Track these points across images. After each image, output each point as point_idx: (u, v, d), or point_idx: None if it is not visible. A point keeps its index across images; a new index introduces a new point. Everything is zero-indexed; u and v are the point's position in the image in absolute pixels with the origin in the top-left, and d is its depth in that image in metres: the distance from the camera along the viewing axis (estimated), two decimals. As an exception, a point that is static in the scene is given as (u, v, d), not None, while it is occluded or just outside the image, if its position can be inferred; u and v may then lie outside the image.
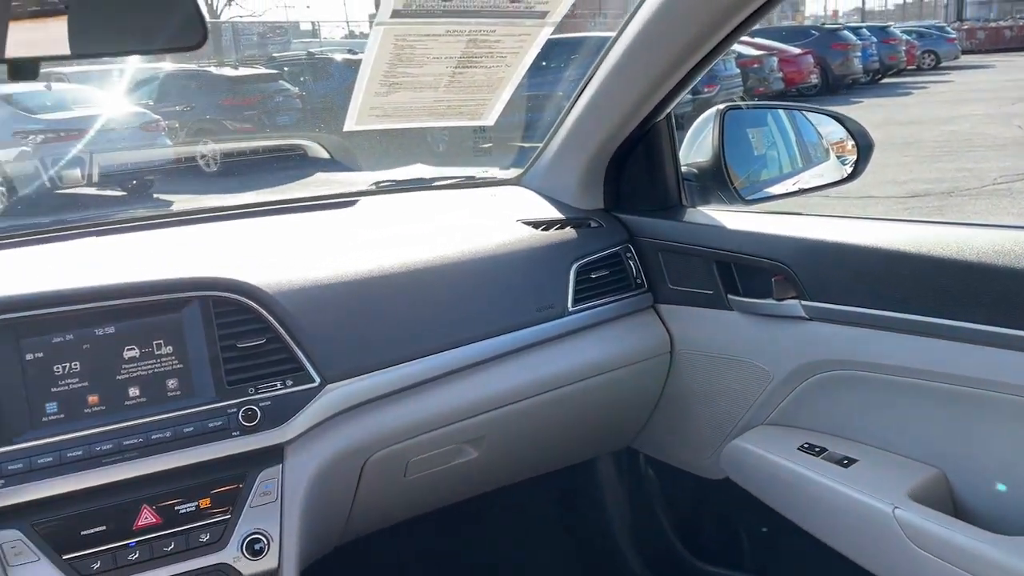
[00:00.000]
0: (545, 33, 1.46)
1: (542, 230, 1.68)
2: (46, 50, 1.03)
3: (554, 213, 1.76)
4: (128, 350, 1.24)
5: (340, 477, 1.38)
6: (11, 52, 1.03)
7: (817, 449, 1.47)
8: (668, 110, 1.69)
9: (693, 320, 1.67)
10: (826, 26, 21.76)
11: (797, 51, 17.15)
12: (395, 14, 1.31)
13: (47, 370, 1.20)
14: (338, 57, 13.48)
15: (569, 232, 1.70)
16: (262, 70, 12.74)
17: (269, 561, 1.26)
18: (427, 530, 1.88)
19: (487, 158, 9.47)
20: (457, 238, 1.60)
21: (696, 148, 1.81)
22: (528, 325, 1.55)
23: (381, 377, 1.39)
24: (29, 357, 1.20)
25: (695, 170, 1.80)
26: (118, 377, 1.23)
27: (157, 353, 1.26)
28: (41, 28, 1.03)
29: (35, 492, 1.15)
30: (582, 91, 1.69)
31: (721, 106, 1.77)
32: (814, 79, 17.44)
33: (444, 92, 1.54)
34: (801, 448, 1.49)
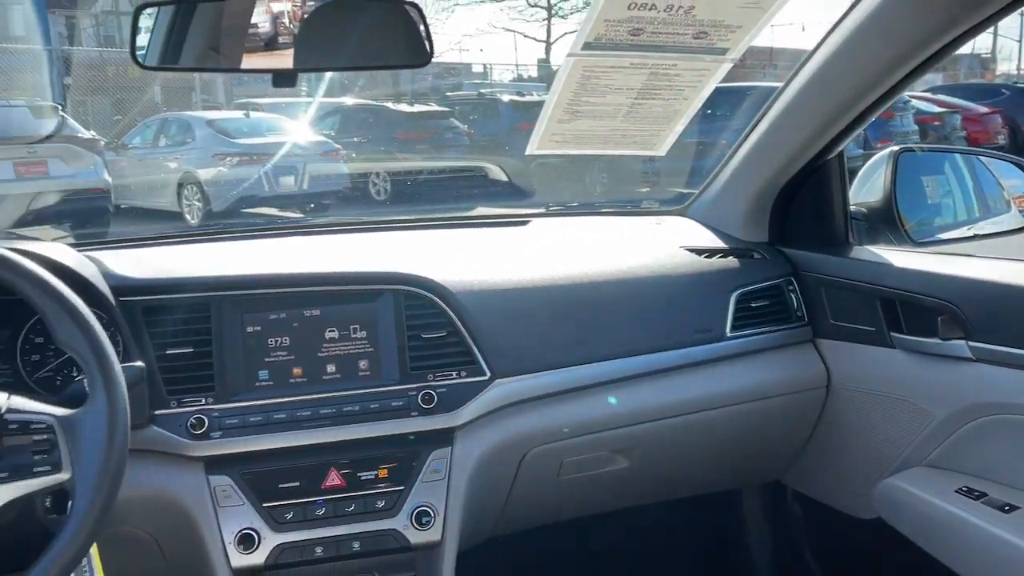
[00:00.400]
0: (724, 69, 1.53)
1: (705, 257, 1.75)
2: (275, 63, 1.17)
3: (718, 242, 1.82)
4: (329, 331, 1.41)
5: (501, 466, 1.49)
6: (247, 64, 1.18)
7: (976, 493, 1.44)
8: (840, 148, 1.72)
9: (853, 356, 1.67)
10: (1019, 85, 20.42)
11: (984, 110, 16.15)
12: (586, 46, 1.43)
13: (263, 342, 1.39)
14: (505, 98, 13.93)
15: (732, 261, 1.75)
16: (435, 107, 13.33)
17: (434, 533, 1.38)
18: (569, 541, 1.96)
19: (648, 194, 9.51)
20: (623, 258, 1.69)
21: (867, 189, 1.82)
22: (686, 345, 1.62)
23: (545, 378, 1.49)
24: (249, 330, 1.39)
25: (864, 210, 1.80)
26: (319, 354, 1.40)
27: (353, 336, 1.42)
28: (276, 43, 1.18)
29: (245, 445, 1.33)
30: (754, 127, 1.75)
31: (895, 148, 1.78)
32: (1001, 139, 16.32)
33: (621, 121, 1.64)
34: (959, 491, 1.46)
